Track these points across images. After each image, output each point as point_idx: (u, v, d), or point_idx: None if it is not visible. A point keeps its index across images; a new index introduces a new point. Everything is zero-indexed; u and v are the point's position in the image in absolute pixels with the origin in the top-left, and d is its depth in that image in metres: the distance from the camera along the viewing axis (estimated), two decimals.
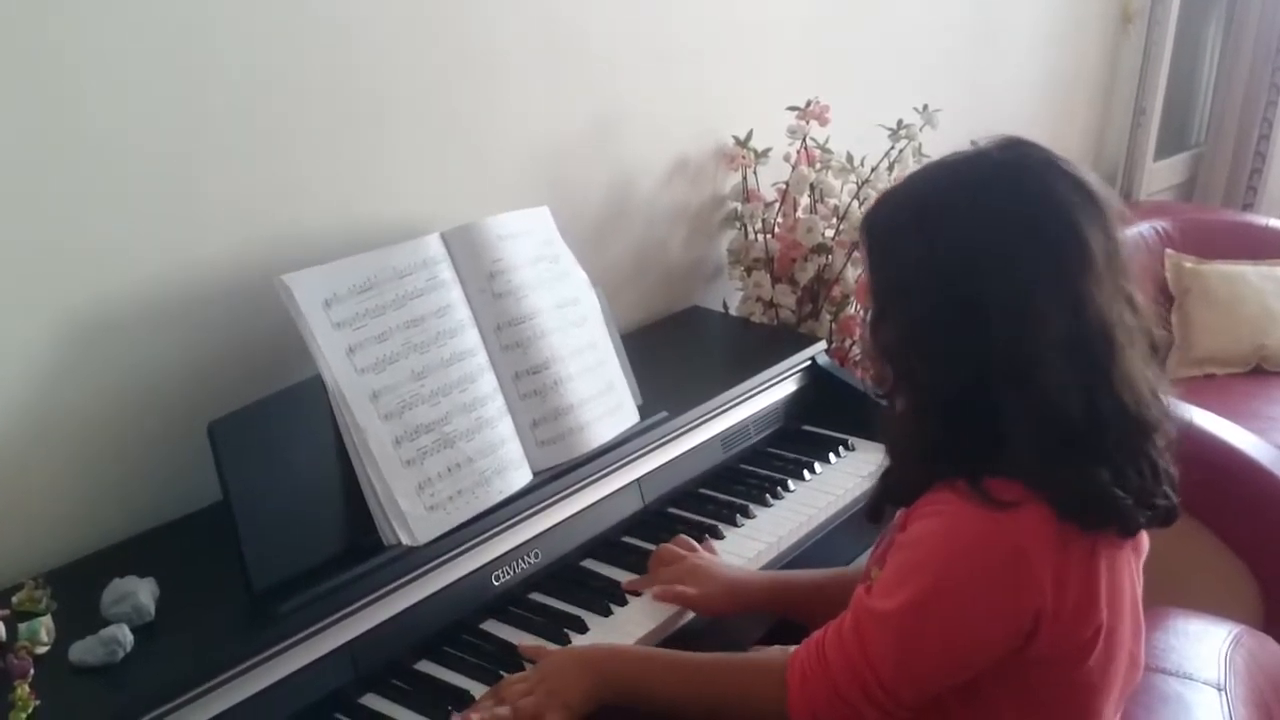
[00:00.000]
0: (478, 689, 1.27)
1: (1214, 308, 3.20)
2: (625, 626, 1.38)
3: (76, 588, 1.25)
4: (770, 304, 2.08)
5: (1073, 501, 1.03)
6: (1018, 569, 1.02)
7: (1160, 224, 3.33)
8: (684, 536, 1.52)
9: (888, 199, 1.16)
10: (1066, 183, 1.05)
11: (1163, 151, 3.78)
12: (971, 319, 1.04)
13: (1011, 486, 1.03)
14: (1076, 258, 1.03)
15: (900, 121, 2.09)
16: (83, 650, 1.14)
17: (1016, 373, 1.02)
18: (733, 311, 2.19)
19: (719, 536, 1.58)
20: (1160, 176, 3.82)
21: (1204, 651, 1.47)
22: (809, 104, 2.07)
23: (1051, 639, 1.05)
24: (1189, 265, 3.26)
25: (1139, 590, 1.15)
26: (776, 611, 1.45)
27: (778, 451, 1.81)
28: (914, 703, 1.08)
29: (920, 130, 2.11)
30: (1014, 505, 1.02)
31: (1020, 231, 1.03)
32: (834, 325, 2.11)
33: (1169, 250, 3.29)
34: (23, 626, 1.15)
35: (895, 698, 1.06)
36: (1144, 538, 1.16)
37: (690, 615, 1.42)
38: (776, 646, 1.35)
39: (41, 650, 1.15)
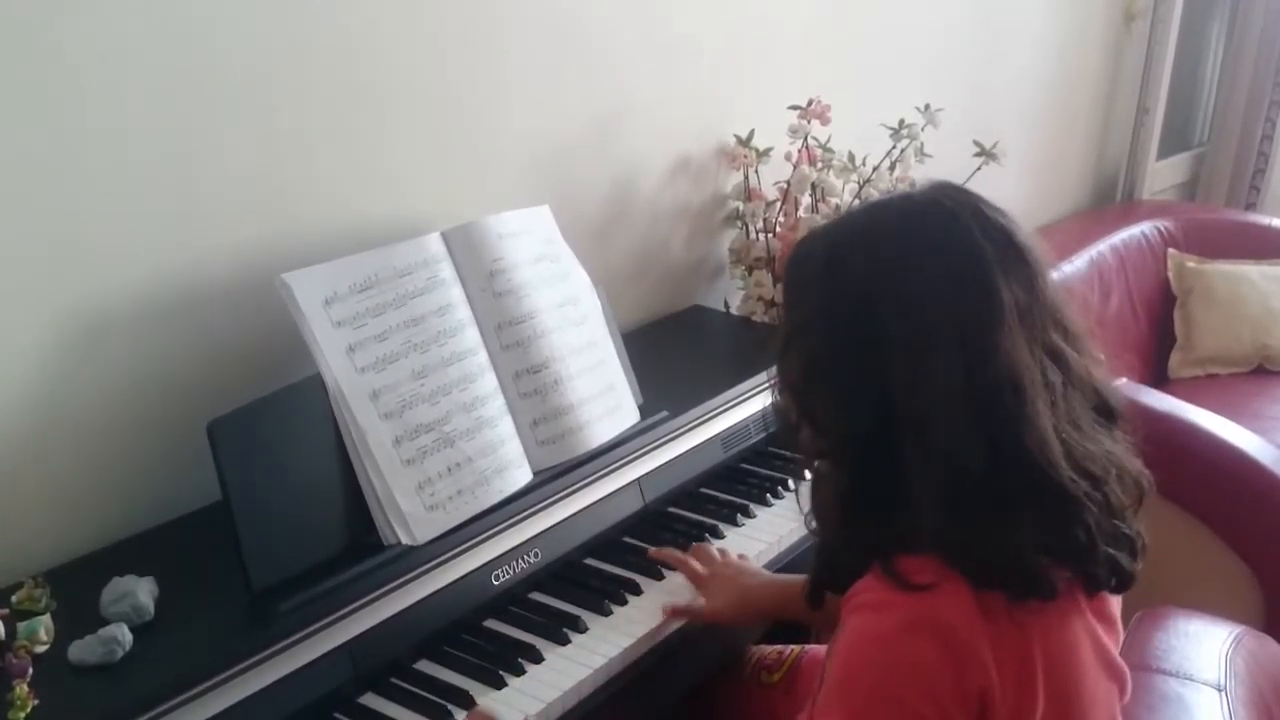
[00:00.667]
0: (477, 689, 1.27)
1: (1216, 307, 3.19)
2: (625, 626, 1.38)
3: (76, 587, 1.26)
4: (772, 303, 2.08)
5: (981, 565, 0.98)
6: (952, 652, 0.97)
7: (1163, 224, 3.33)
8: (704, 546, 1.51)
9: (808, 236, 1.13)
10: (990, 232, 1.01)
11: (1165, 151, 3.77)
12: (871, 361, 1.01)
13: (925, 565, 0.99)
14: (984, 308, 0.99)
15: (902, 121, 2.09)
16: (82, 649, 1.14)
17: (914, 420, 0.99)
18: (734, 310, 2.19)
19: (719, 536, 1.58)
20: (1163, 176, 3.81)
21: (1204, 652, 1.47)
22: (810, 103, 2.07)
23: (1004, 717, 1.00)
24: (1191, 265, 3.26)
25: (1110, 653, 1.09)
26: (783, 615, 1.45)
27: (778, 451, 1.80)
28: None
29: (922, 130, 2.11)
30: (929, 587, 0.98)
31: (926, 277, 1.00)
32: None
33: (1171, 250, 3.29)
34: (22, 626, 1.15)
35: None
36: (1108, 601, 1.09)
37: (686, 619, 1.42)
38: None
39: (41, 649, 1.15)
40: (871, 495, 1.04)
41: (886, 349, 1.00)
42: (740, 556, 1.51)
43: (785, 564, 1.55)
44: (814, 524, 1.14)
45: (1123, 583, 1.05)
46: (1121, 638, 1.13)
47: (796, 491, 1.66)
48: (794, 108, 2.08)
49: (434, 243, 1.46)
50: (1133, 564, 1.04)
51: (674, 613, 1.41)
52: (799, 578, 1.46)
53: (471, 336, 1.46)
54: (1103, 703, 1.08)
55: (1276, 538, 2.08)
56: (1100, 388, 1.06)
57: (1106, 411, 1.07)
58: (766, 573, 1.48)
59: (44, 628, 1.16)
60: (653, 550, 1.50)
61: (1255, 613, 2.11)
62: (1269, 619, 2.08)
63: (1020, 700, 0.99)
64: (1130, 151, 3.65)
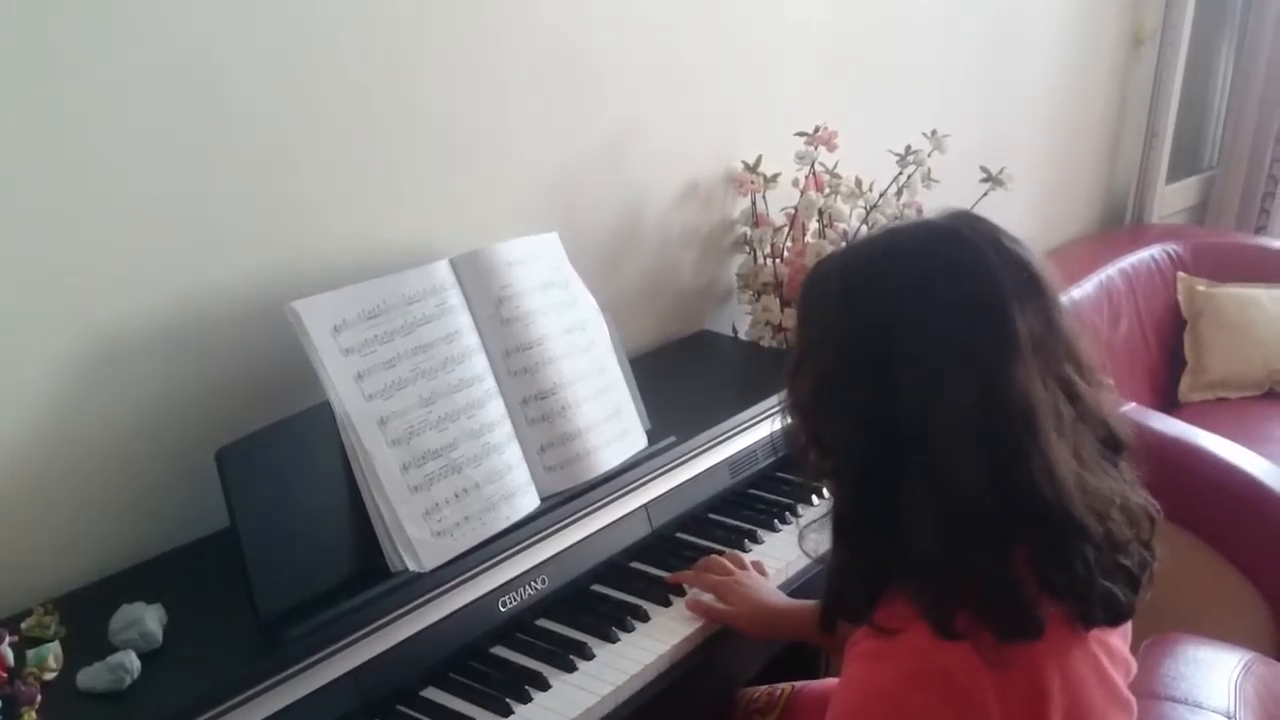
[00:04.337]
0: (485, 716, 1.27)
1: (1226, 331, 3.19)
2: (632, 653, 1.38)
3: (85, 614, 1.26)
4: (779, 328, 2.08)
5: (964, 598, 0.97)
6: (952, 702, 0.97)
7: (1172, 247, 3.33)
8: (737, 554, 1.54)
9: (825, 259, 1.14)
10: (1007, 262, 1.02)
11: (1175, 174, 3.78)
12: (881, 381, 1.01)
13: (899, 610, 1.00)
14: (998, 337, 0.99)
15: (908, 147, 2.09)
16: (90, 677, 1.14)
17: (918, 442, 0.99)
18: (742, 335, 2.20)
19: None
20: (1172, 200, 3.81)
21: (1214, 679, 1.46)
22: (817, 129, 2.08)
23: None
24: (1201, 289, 3.25)
25: (1118, 685, 1.09)
26: (799, 639, 1.45)
27: (786, 476, 1.80)
28: None
29: (929, 156, 2.11)
30: (896, 632, 0.99)
31: (941, 303, 1.00)
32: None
33: (1181, 273, 3.29)
34: (31, 653, 1.15)
35: None
36: (1112, 634, 1.09)
37: (693, 646, 1.42)
38: None
39: (50, 676, 1.15)
40: (867, 518, 1.04)
41: (896, 371, 1.01)
42: (755, 563, 1.53)
43: (793, 590, 1.54)
44: (820, 549, 1.14)
45: (1119, 616, 1.04)
46: (1134, 669, 1.12)
47: (798, 522, 1.66)
48: (800, 134, 2.09)
49: (442, 270, 1.47)
50: (1130, 596, 1.03)
51: (694, 606, 1.43)
52: (815, 603, 1.46)
53: (479, 363, 1.46)
54: None
55: None
56: (1110, 420, 1.06)
57: (1114, 443, 1.07)
58: (783, 595, 1.48)
59: (53, 655, 1.16)
60: (670, 576, 1.51)
61: (1266, 638, 2.10)
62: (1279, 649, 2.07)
63: None
64: (1139, 175, 3.65)
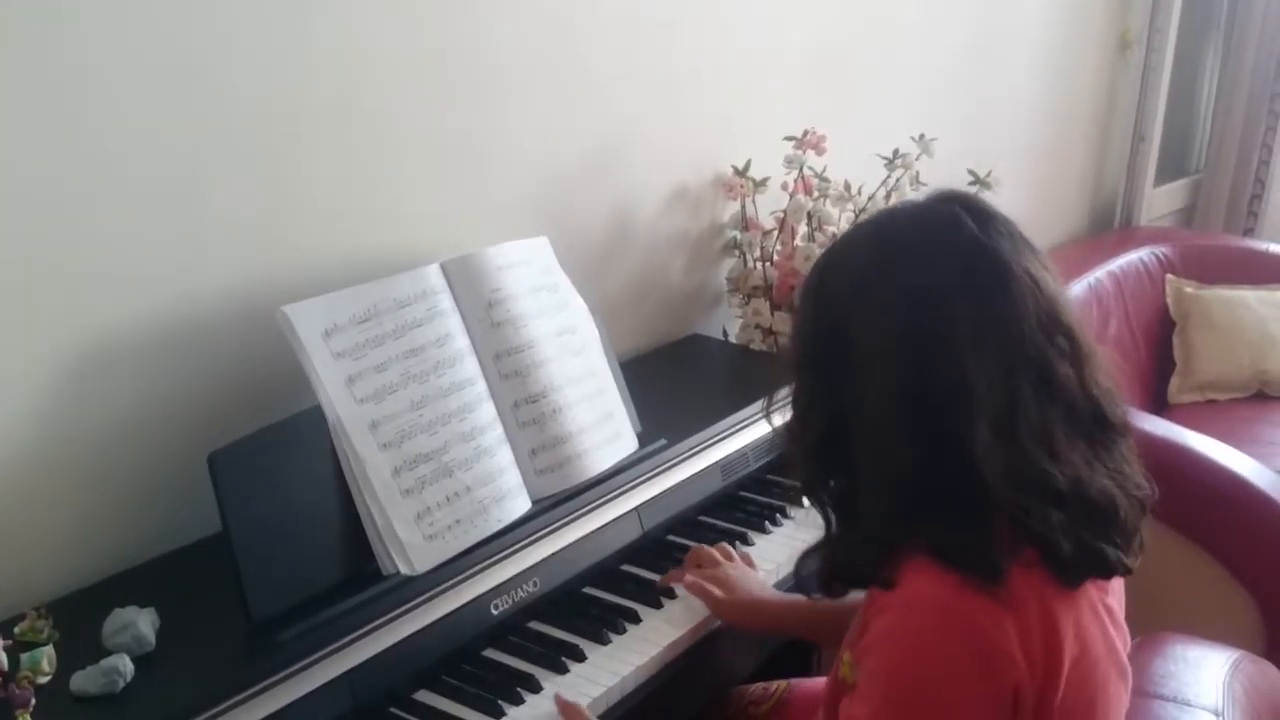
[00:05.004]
0: (474, 717, 1.27)
1: (1214, 333, 3.20)
2: (623, 655, 1.39)
3: (77, 617, 1.26)
4: (769, 331, 2.09)
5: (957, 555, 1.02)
6: (981, 652, 1.00)
7: (1160, 250, 3.34)
8: (725, 545, 1.55)
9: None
10: (965, 248, 1.06)
11: (1162, 177, 3.80)
12: (833, 377, 1.11)
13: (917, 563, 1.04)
14: (932, 330, 1.04)
15: (896, 151, 2.11)
16: (84, 680, 1.15)
17: (861, 420, 1.08)
18: (732, 339, 2.20)
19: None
20: (1160, 202, 3.83)
21: (1203, 678, 1.46)
22: (805, 134, 2.09)
23: (1032, 705, 1.03)
24: (1190, 290, 3.27)
25: (1120, 653, 1.12)
26: (790, 633, 1.47)
27: (776, 479, 1.81)
28: None
29: (916, 159, 2.12)
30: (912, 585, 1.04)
31: (880, 300, 1.07)
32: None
33: (1169, 275, 3.30)
34: (25, 656, 1.15)
35: None
36: (1116, 605, 1.13)
37: (685, 647, 1.43)
38: None
39: (43, 680, 1.14)
40: (839, 494, 1.14)
41: (846, 363, 1.09)
42: (743, 555, 1.55)
43: (785, 591, 1.55)
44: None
45: (1108, 570, 1.07)
46: (1128, 645, 1.15)
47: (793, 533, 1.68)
48: (789, 138, 2.10)
49: (433, 274, 1.48)
50: (1119, 555, 1.07)
51: (690, 586, 1.45)
52: (800, 600, 1.48)
53: (470, 366, 1.47)
54: (1114, 702, 1.10)
55: (1276, 562, 2.08)
56: (1097, 397, 1.08)
57: (1100, 420, 1.09)
58: (772, 590, 1.50)
59: (46, 658, 1.16)
60: (660, 580, 1.52)
61: (1255, 638, 2.11)
62: (1269, 644, 2.08)
63: (1045, 690, 1.03)
64: (1127, 178, 3.67)
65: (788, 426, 1.19)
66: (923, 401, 1.04)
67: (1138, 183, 3.66)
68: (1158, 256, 3.32)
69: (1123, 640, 1.13)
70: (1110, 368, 1.12)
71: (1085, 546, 1.04)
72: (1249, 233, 3.86)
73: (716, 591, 1.44)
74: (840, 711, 1.09)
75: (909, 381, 1.04)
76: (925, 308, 1.05)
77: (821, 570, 1.19)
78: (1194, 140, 4.10)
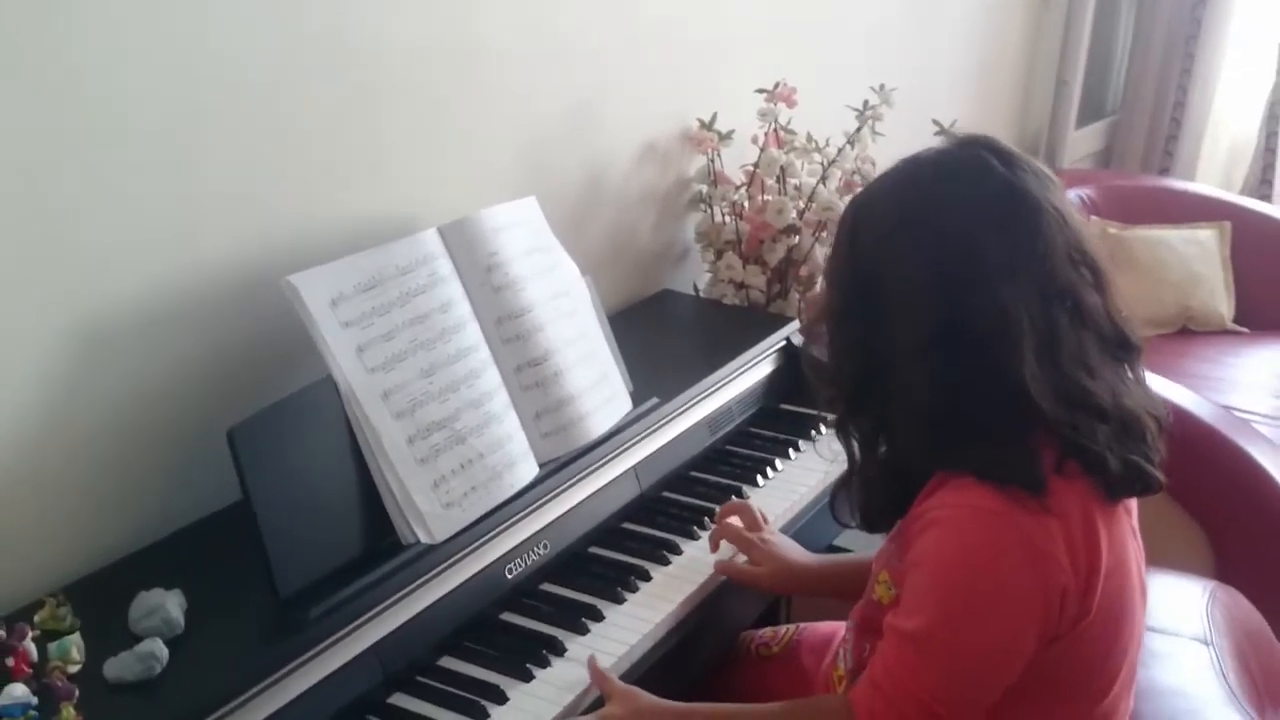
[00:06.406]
0: (503, 681, 1.28)
1: (1138, 271, 3.30)
2: (640, 612, 1.41)
3: (95, 602, 1.23)
4: (742, 285, 2.11)
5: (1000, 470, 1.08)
6: (1034, 562, 1.06)
7: (1084, 191, 3.43)
8: (752, 512, 1.54)
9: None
10: (992, 189, 1.11)
11: (1082, 120, 3.89)
12: (866, 317, 1.16)
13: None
14: (965, 271, 1.10)
15: (866, 102, 2.13)
16: (120, 667, 1.12)
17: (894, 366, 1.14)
18: (703, 293, 2.21)
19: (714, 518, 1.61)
20: (1080, 144, 3.93)
21: (1186, 608, 1.54)
22: (777, 86, 2.09)
23: (1073, 611, 1.09)
24: (1113, 231, 3.36)
25: (1141, 562, 1.19)
26: (824, 593, 1.49)
27: (759, 431, 1.84)
28: (980, 709, 1.11)
29: (879, 109, 2.15)
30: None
31: (914, 245, 1.13)
32: (802, 304, 2.15)
33: (1093, 217, 3.38)
34: (52, 646, 1.13)
35: (959, 712, 1.09)
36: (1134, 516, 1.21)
37: (699, 601, 1.45)
38: (823, 695, 1.37)
39: (74, 669, 1.12)
40: (872, 428, 1.21)
41: (879, 306, 1.15)
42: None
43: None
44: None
45: (1148, 487, 1.14)
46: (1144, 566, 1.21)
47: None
48: (761, 91, 2.10)
49: (431, 239, 1.46)
50: (1155, 471, 1.13)
51: (721, 568, 1.47)
52: (840, 557, 1.53)
53: (473, 332, 1.46)
54: (1139, 617, 1.17)
55: (1224, 493, 2.17)
56: (1118, 321, 1.15)
57: (1122, 343, 1.15)
58: (806, 552, 1.52)
59: (75, 646, 1.13)
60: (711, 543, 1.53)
61: (1206, 569, 2.20)
62: (1218, 573, 2.17)
63: (1084, 596, 1.08)
64: (1051, 122, 3.76)
65: (824, 368, 1.23)
66: (963, 337, 1.09)
67: (1061, 126, 3.75)
68: (1081, 198, 3.40)
69: (1141, 560, 1.20)
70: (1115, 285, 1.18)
71: (1128, 463, 1.11)
72: (1164, 172, 3.98)
73: (753, 568, 1.47)
74: (885, 628, 1.14)
75: (948, 319, 1.10)
76: (961, 250, 1.10)
77: (863, 507, 1.25)
78: (1110, 83, 4.20)
